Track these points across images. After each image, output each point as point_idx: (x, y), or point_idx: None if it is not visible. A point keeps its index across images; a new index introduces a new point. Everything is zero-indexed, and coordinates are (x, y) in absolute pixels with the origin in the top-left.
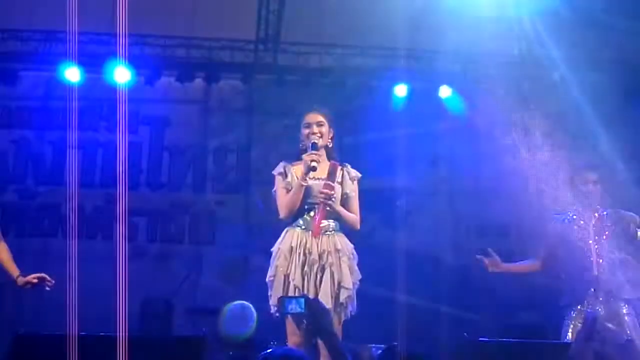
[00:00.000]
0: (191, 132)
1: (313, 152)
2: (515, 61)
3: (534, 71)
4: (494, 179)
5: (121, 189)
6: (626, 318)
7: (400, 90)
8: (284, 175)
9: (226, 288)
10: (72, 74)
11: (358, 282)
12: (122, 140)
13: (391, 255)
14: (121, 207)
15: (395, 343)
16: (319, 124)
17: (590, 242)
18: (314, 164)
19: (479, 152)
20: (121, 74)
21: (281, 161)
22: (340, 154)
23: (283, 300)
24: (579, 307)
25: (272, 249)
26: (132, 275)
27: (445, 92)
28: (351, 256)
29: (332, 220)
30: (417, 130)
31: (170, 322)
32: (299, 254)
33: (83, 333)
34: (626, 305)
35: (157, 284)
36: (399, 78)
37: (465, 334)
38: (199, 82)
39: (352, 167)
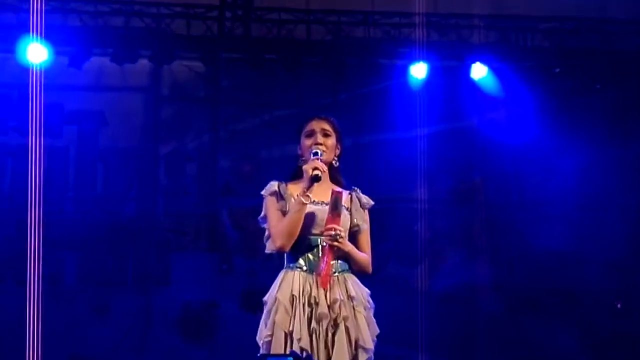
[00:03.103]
0: (135, 133)
1: (315, 158)
2: (573, 28)
3: (597, 41)
4: (547, 190)
5: (37, 213)
6: None
7: (418, 71)
8: (279, 196)
9: (185, 345)
10: None
11: (375, 339)
12: (37, 146)
13: (409, 298)
14: (36, 237)
15: None
16: (325, 134)
17: None
18: (317, 172)
19: (525, 152)
20: (35, 53)
21: (273, 180)
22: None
23: None
24: None
25: (264, 298)
26: (58, 330)
27: (478, 71)
28: (367, 305)
29: (338, 260)
30: (441, 125)
31: None
32: (303, 304)
33: None
34: None
35: (92, 340)
36: (417, 55)
37: None
38: (143, 63)
39: (351, 180)
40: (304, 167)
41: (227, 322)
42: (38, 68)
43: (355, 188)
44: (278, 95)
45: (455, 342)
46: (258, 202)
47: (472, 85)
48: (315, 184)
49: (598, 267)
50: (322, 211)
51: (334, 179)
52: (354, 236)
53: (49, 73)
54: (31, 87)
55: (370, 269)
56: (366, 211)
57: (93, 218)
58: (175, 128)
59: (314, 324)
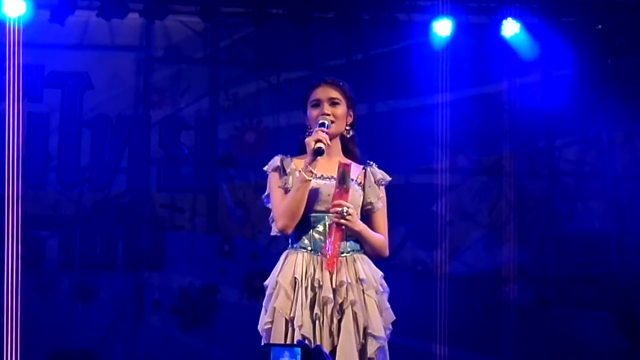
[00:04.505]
0: (124, 97)
1: (320, 129)
2: None
3: None
4: (585, 164)
5: (14, 187)
6: None
7: (442, 28)
8: (282, 171)
9: (179, 334)
10: None
11: (391, 327)
12: (15, 111)
13: (427, 284)
14: (13, 214)
15: None
16: (333, 102)
17: None
18: (319, 145)
19: (561, 121)
20: (12, 6)
21: (278, 154)
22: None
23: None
24: None
25: (265, 282)
26: (37, 319)
27: (510, 28)
28: (380, 288)
29: (348, 240)
30: (467, 90)
31: None
32: (306, 288)
33: None
34: None
35: (75, 330)
36: (440, 9)
37: None
38: (134, 18)
39: (365, 153)
40: (307, 139)
41: (227, 309)
42: (15, 23)
43: (371, 162)
44: (285, 56)
45: (478, 334)
46: (263, 176)
47: (503, 44)
48: (320, 158)
49: None
50: (329, 186)
51: (347, 151)
52: (367, 215)
53: (28, 29)
54: (8, 45)
55: (386, 252)
56: (382, 188)
57: (77, 192)
58: (169, 92)
59: (317, 309)
